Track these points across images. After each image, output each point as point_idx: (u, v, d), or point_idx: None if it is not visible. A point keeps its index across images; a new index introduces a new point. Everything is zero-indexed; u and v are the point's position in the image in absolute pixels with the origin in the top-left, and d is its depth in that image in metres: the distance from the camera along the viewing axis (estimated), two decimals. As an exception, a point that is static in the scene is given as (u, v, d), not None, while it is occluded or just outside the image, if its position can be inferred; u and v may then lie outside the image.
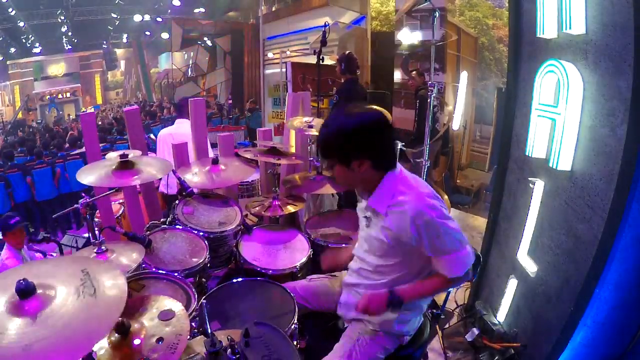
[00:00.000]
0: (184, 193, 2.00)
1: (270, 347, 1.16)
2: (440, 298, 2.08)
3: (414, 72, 4.58)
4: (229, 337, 1.13)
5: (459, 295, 2.79)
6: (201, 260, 1.76)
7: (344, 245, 1.98)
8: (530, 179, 2.02)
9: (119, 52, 19.21)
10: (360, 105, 1.38)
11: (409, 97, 5.46)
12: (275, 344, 1.18)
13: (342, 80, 3.80)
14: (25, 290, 0.92)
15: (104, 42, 17.54)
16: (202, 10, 13.26)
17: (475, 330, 2.37)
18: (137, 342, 1.12)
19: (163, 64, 17.55)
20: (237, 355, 1.09)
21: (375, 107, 1.39)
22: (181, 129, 3.07)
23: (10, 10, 12.17)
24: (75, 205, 1.67)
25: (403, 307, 1.39)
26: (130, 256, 1.59)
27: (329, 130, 1.35)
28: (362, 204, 1.50)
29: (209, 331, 1.10)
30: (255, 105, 9.26)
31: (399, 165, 1.40)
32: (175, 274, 1.61)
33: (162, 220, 2.09)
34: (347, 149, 1.32)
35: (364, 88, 4.49)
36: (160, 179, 2.52)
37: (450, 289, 1.70)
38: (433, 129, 4.10)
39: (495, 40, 4.81)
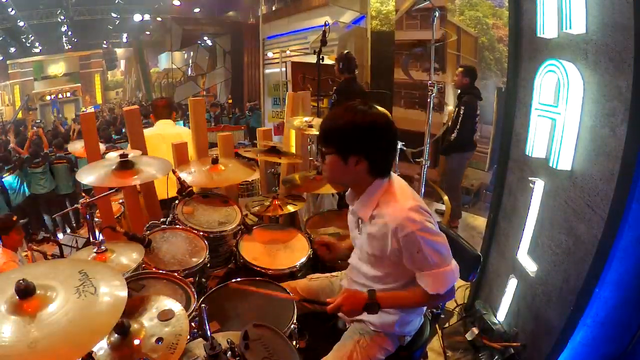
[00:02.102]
0: (183, 193, 2.00)
1: (270, 349, 1.16)
2: (440, 298, 2.08)
3: (461, 70, 3.99)
4: (228, 340, 1.13)
5: (459, 294, 2.78)
6: (201, 260, 1.76)
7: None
8: (530, 178, 2.02)
9: (119, 52, 19.18)
10: (373, 104, 1.31)
11: (409, 97, 5.45)
12: (274, 346, 1.18)
13: (341, 80, 3.80)
14: (25, 291, 0.92)
15: (104, 42, 17.54)
16: (202, 10, 13.26)
17: (475, 330, 2.37)
18: (136, 342, 1.12)
19: (163, 64, 17.54)
20: (237, 358, 1.09)
21: (381, 109, 1.32)
22: (162, 130, 3.04)
23: (10, 10, 12.17)
24: (76, 205, 1.67)
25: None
26: (130, 256, 1.59)
27: (340, 118, 1.29)
28: (352, 208, 1.48)
29: (209, 334, 1.10)
30: (256, 104, 9.26)
31: (391, 174, 1.37)
32: (175, 274, 1.61)
33: (162, 220, 2.09)
34: (351, 141, 1.28)
35: (362, 87, 4.48)
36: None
37: (433, 305, 1.65)
38: (472, 139, 3.95)
39: (495, 40, 4.80)
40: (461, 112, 3.85)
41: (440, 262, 1.27)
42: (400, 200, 1.29)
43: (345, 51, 4.00)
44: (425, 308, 1.54)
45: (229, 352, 1.09)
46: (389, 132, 1.29)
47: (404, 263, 1.30)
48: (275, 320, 1.44)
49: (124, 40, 18.04)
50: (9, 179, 5.67)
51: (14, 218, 2.96)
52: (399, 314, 1.43)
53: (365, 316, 1.46)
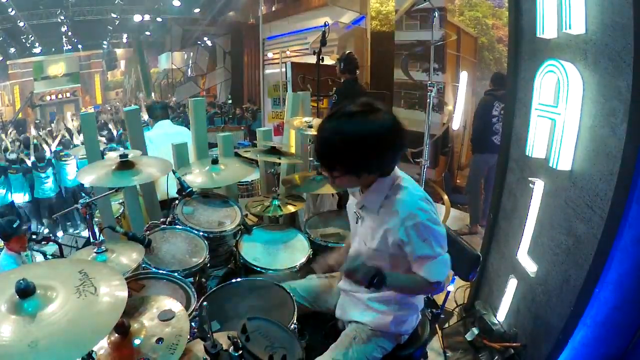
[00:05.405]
0: (183, 193, 2.00)
1: (269, 338, 1.18)
2: (440, 298, 2.08)
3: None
4: (229, 336, 1.14)
5: (458, 294, 2.79)
6: (201, 260, 1.76)
7: (342, 245, 1.99)
8: (530, 178, 2.02)
9: (119, 52, 19.17)
10: (372, 105, 1.23)
11: (409, 97, 5.46)
12: (273, 334, 1.20)
13: (342, 80, 3.80)
14: (26, 290, 0.92)
15: (104, 42, 17.53)
16: (202, 10, 13.26)
17: (475, 330, 2.36)
18: (137, 342, 1.12)
19: (163, 64, 17.54)
20: (240, 352, 1.09)
21: (383, 109, 1.25)
22: (161, 131, 3.06)
23: (10, 10, 12.15)
24: (76, 206, 1.67)
25: (400, 306, 1.41)
26: (130, 256, 1.59)
27: (339, 138, 1.22)
28: (352, 201, 1.50)
29: (209, 333, 1.10)
30: (256, 107, 9.27)
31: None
32: (175, 274, 1.61)
33: (162, 220, 2.09)
34: (358, 162, 1.25)
35: (363, 88, 4.48)
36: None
37: (428, 294, 1.65)
38: (487, 140, 3.76)
39: (495, 40, 4.81)
40: (479, 112, 3.82)
41: (442, 251, 1.31)
42: (410, 190, 1.32)
43: (347, 51, 3.99)
44: (421, 307, 1.54)
45: (232, 347, 1.09)
46: (394, 139, 1.25)
47: (405, 253, 1.31)
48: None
49: (124, 40, 18.03)
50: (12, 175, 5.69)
51: (15, 225, 2.87)
52: (393, 314, 1.44)
53: (360, 317, 1.46)
